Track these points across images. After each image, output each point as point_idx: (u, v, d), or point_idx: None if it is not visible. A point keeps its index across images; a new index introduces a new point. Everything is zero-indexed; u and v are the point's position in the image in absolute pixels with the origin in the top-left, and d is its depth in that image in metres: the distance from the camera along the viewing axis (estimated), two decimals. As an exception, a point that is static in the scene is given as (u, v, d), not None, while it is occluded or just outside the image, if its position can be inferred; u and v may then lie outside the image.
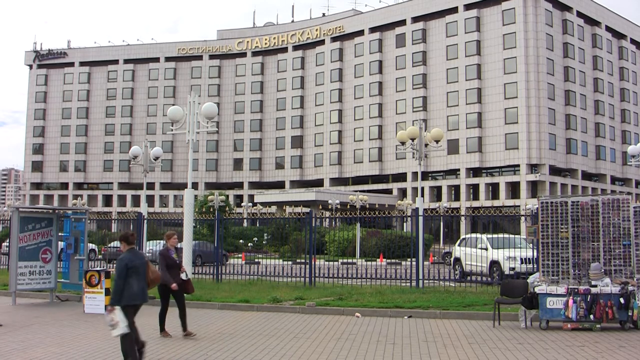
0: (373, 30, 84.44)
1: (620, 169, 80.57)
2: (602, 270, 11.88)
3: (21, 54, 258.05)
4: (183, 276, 11.05)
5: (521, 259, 19.21)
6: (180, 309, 10.84)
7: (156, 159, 25.92)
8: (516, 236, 22.87)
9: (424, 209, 19.71)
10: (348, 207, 56.98)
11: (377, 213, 20.58)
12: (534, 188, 69.84)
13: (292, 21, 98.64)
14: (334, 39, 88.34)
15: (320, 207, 65.53)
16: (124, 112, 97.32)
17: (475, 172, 75.09)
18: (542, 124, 70.75)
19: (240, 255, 33.84)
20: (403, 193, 77.33)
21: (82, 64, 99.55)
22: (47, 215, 16.91)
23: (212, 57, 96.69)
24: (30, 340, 10.60)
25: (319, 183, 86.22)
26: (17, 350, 9.68)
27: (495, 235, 21.68)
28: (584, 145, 76.11)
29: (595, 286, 11.58)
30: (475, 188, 74.79)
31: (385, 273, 20.19)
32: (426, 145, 19.79)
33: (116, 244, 27.63)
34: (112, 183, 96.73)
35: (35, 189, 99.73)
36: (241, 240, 45.47)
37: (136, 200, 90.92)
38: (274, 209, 74.42)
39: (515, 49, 71.84)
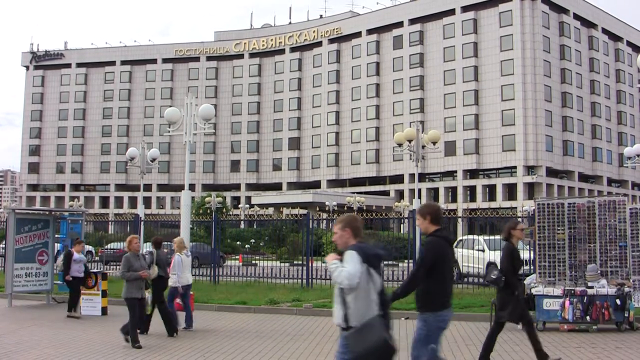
0: (370, 32, 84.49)
1: (617, 170, 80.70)
2: (599, 272, 11.91)
3: (17, 55, 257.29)
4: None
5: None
6: None
7: (153, 160, 25.93)
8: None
9: (421, 211, 19.69)
10: (345, 208, 56.98)
11: (374, 215, 20.59)
12: (531, 190, 69.92)
13: (290, 23, 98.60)
14: (331, 41, 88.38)
15: (318, 208, 65.54)
16: (121, 114, 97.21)
17: (472, 173, 75.17)
18: (539, 125, 70.87)
19: (237, 257, 33.82)
20: (400, 195, 77.33)
21: (79, 65, 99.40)
22: (43, 216, 16.89)
23: (209, 58, 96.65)
24: (26, 342, 10.58)
25: (316, 185, 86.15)
26: (13, 353, 9.66)
27: (492, 237, 21.70)
28: (580, 147, 76.26)
29: (592, 287, 11.59)
30: (472, 190, 74.87)
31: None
32: (423, 147, 19.83)
33: (113, 245, 27.60)
34: (109, 185, 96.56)
35: (32, 190, 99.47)
36: (238, 242, 45.40)
37: (133, 202, 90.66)
38: (271, 210, 74.38)
39: (512, 51, 71.97)
